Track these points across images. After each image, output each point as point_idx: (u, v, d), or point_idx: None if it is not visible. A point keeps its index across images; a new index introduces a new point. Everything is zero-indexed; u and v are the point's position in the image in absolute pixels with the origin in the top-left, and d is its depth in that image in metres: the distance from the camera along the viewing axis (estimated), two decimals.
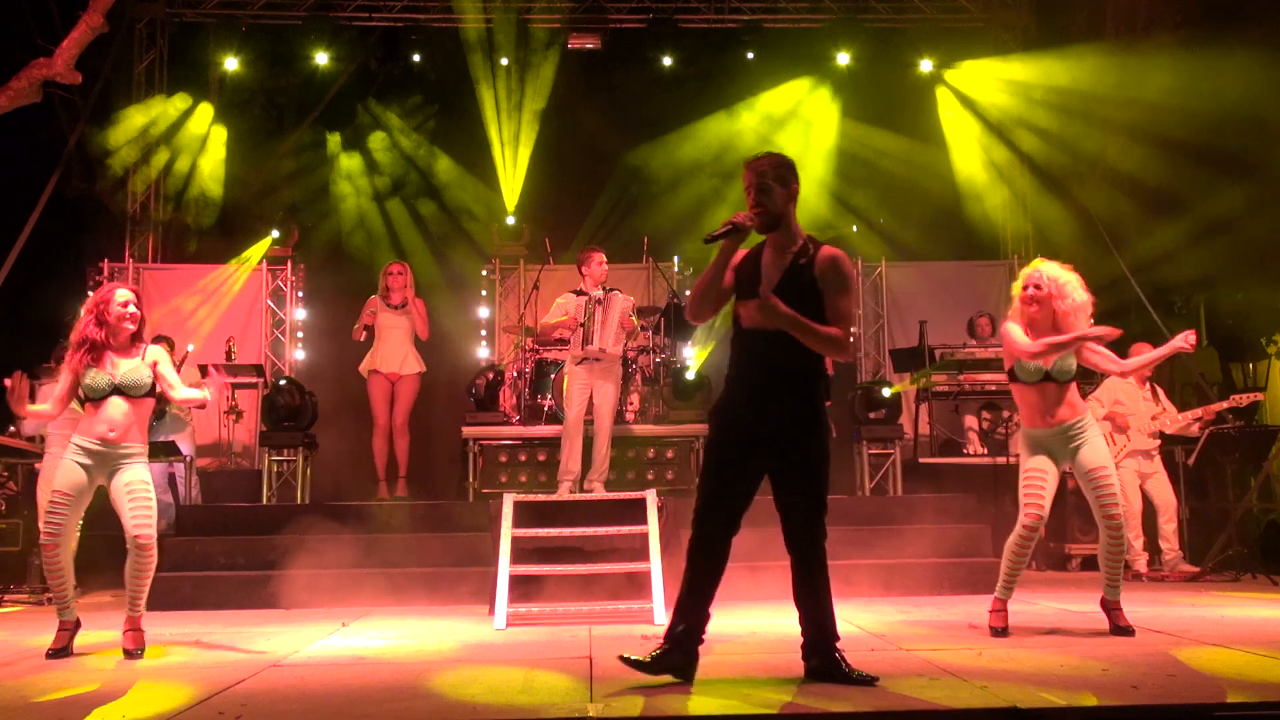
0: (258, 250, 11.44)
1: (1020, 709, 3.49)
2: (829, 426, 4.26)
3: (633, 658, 4.08)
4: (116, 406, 5.07)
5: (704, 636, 4.19)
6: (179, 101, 11.72)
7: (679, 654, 4.11)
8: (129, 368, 5.12)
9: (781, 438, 4.15)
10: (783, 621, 5.81)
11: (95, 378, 5.07)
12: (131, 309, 5.16)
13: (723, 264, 4.21)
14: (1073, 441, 5.20)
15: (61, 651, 5.00)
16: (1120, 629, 5.12)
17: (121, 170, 11.33)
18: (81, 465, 5.03)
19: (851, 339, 4.17)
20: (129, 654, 4.99)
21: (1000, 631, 5.17)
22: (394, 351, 9.00)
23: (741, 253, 4.27)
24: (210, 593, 6.87)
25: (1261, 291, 11.08)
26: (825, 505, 4.20)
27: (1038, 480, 5.19)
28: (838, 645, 4.18)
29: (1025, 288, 5.22)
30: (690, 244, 11.75)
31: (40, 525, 5.15)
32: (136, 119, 11.41)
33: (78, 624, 5.15)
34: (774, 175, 4.23)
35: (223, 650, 5.15)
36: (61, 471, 5.05)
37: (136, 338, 5.21)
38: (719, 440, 4.26)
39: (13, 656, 5.07)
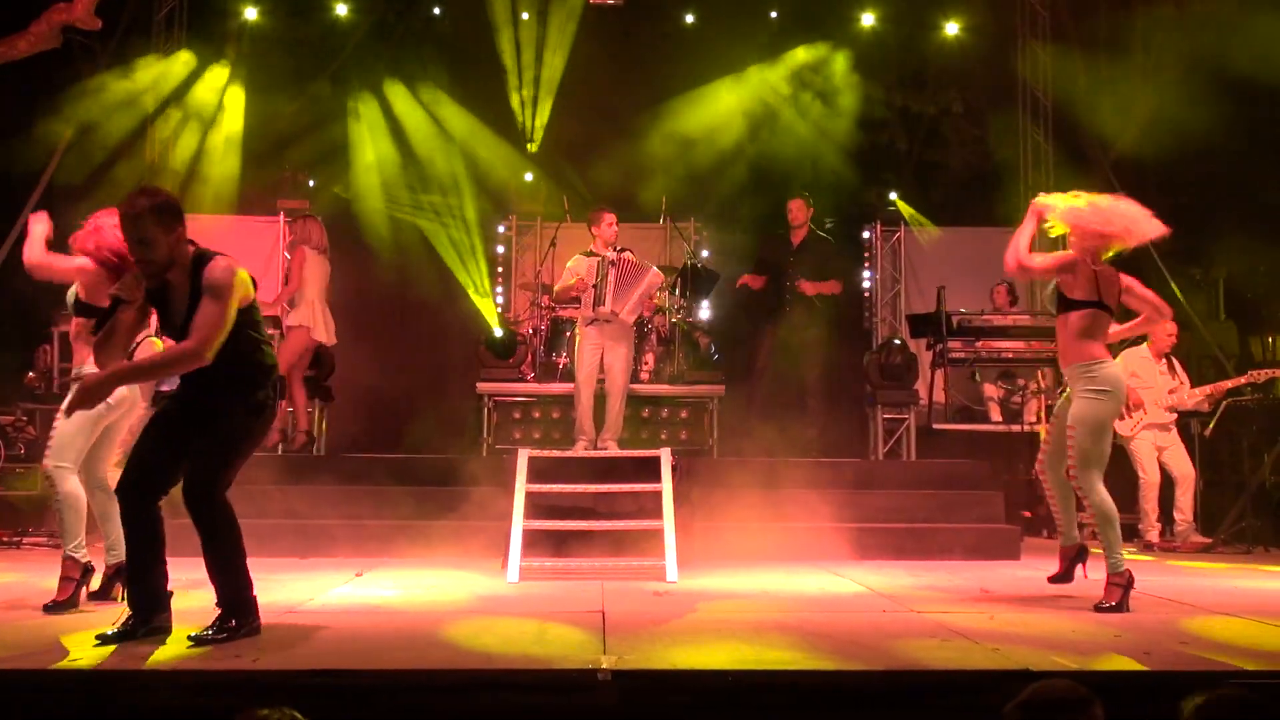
0: None
1: (1032, 671, 3.49)
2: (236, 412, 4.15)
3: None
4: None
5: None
6: (197, 51, 11.66)
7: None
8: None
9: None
10: (793, 581, 5.85)
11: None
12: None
13: (115, 332, 4.08)
14: (1077, 385, 5.00)
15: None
16: (1103, 604, 4.82)
17: (140, 120, 11.30)
18: None
19: (212, 343, 3.98)
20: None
21: (1053, 578, 5.27)
22: None
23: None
24: None
25: None
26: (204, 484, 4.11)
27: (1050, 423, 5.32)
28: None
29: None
30: (708, 204, 11.71)
31: None
32: (155, 69, 11.37)
33: (87, 570, 4.92)
34: (154, 223, 3.97)
35: None
36: None
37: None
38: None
39: (32, 596, 5.12)
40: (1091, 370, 4.99)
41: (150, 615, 4.12)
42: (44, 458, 4.84)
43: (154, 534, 4.16)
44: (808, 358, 8.80)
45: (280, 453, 8.56)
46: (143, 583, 4.17)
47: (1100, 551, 5.04)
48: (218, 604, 4.15)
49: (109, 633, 4.03)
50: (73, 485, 4.83)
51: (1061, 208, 5.12)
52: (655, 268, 8.00)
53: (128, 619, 4.09)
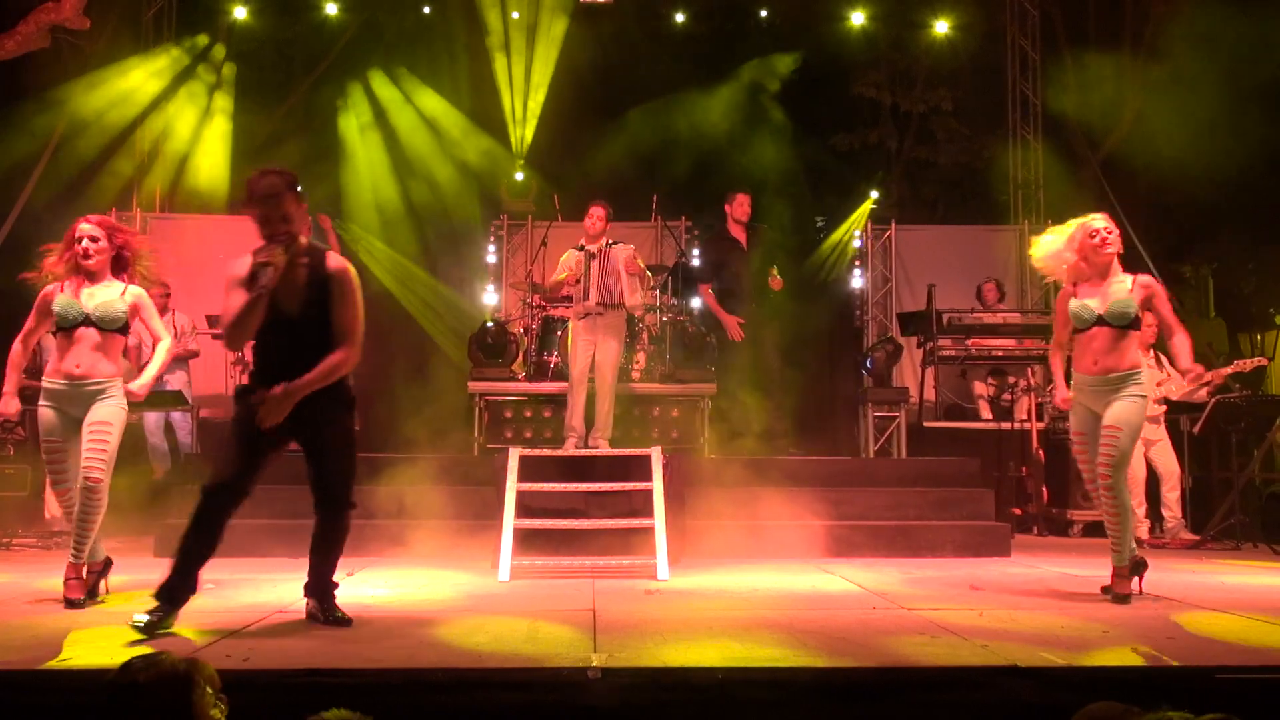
0: None
1: (1020, 667, 3.51)
2: (343, 414, 4.43)
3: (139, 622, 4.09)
4: (86, 340, 4.84)
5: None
6: (186, 50, 11.64)
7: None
8: (104, 299, 4.88)
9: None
10: (783, 579, 5.86)
11: (66, 305, 4.83)
12: (87, 242, 4.84)
13: (263, 299, 4.18)
14: (1116, 392, 5.06)
15: (86, 598, 4.87)
16: (1115, 594, 4.98)
17: (129, 119, 11.28)
18: (51, 408, 4.86)
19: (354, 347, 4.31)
20: (70, 603, 4.75)
21: (1121, 599, 4.98)
22: None
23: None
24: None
25: (1272, 262, 11.05)
26: (348, 488, 4.54)
27: (1080, 444, 5.24)
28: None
29: (1109, 232, 5.13)
30: (698, 202, 11.73)
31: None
32: (144, 68, 11.35)
33: (108, 563, 5.08)
34: (294, 200, 4.25)
35: (229, 596, 5.19)
36: (40, 420, 4.91)
37: (119, 270, 4.95)
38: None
39: (22, 597, 5.11)
40: (1137, 376, 5.09)
41: (178, 607, 4.22)
42: (96, 472, 4.79)
43: (220, 535, 4.31)
44: (772, 351, 8.75)
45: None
46: (190, 578, 4.26)
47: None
48: (318, 594, 4.45)
49: (143, 621, 4.03)
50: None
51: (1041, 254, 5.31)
52: (628, 246, 7.87)
53: (157, 609, 4.13)
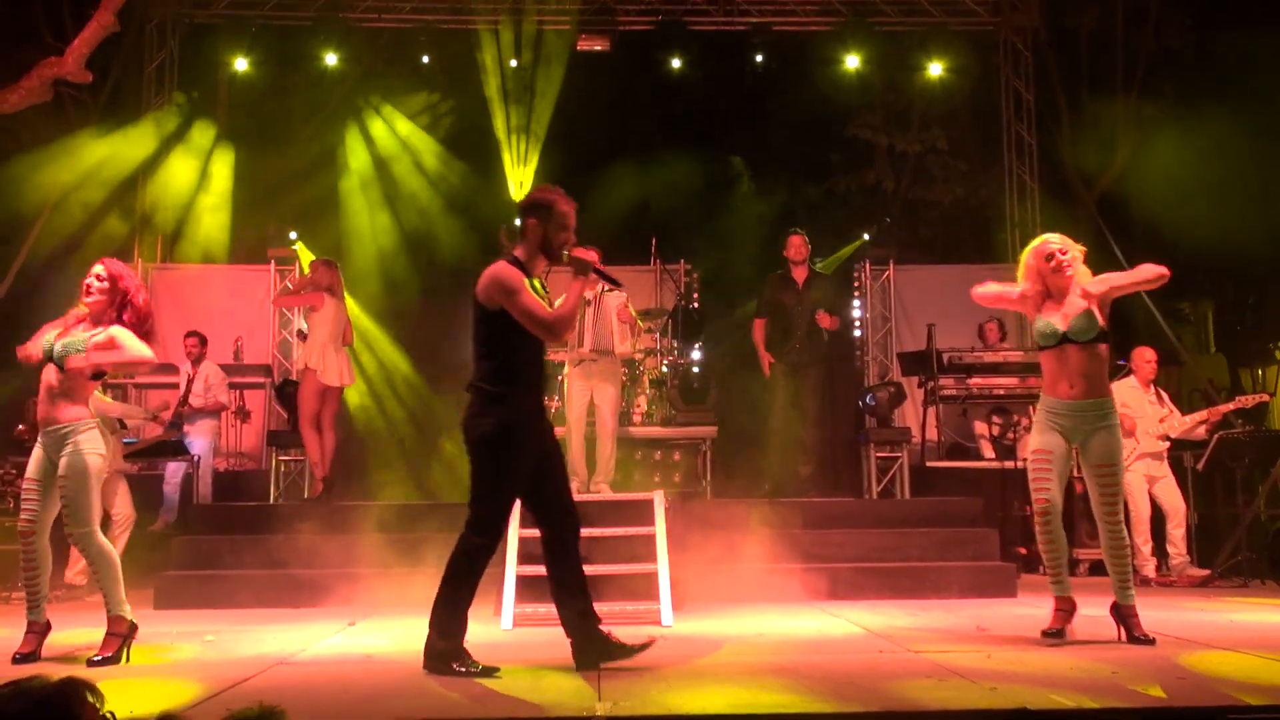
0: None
1: (1030, 710, 3.47)
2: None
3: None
4: (47, 378, 4.77)
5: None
6: (188, 102, 11.75)
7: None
8: (76, 337, 4.75)
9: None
10: (788, 622, 5.82)
11: (44, 340, 4.80)
12: (92, 280, 4.77)
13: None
14: (1096, 423, 4.89)
15: (29, 656, 4.71)
16: (1137, 638, 4.82)
17: (132, 170, 11.36)
18: (41, 446, 4.82)
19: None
20: (103, 664, 4.63)
21: (1056, 634, 4.87)
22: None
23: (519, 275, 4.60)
24: (217, 591, 6.86)
25: (1271, 297, 11.07)
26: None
27: (1042, 463, 4.90)
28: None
29: (1063, 253, 4.94)
30: (697, 245, 11.79)
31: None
32: (147, 120, 11.46)
33: (48, 627, 4.86)
34: None
35: (230, 648, 5.15)
36: (32, 459, 4.86)
37: (115, 316, 4.80)
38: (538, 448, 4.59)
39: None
40: (1111, 403, 4.98)
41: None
42: (71, 527, 4.74)
43: None
44: (810, 394, 8.72)
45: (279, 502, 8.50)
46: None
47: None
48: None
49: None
50: (100, 541, 4.79)
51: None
52: (615, 289, 7.83)
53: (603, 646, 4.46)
